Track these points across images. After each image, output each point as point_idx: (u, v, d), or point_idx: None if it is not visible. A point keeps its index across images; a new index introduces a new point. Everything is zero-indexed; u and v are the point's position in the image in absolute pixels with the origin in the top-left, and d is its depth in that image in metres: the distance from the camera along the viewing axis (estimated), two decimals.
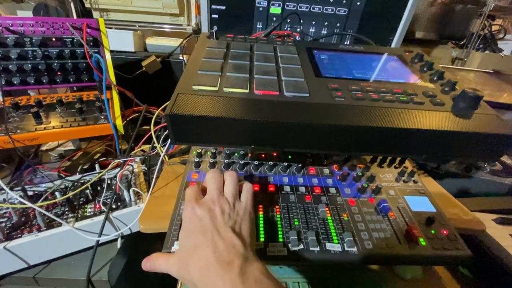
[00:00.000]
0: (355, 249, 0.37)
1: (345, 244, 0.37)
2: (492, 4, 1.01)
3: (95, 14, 1.00)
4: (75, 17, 0.96)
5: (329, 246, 0.37)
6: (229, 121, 0.29)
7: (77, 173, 0.64)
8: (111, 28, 0.96)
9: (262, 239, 0.37)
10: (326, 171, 0.50)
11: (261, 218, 0.40)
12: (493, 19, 1.14)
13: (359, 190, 0.46)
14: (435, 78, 0.40)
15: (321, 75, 0.38)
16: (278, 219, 0.40)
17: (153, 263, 0.32)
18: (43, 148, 0.84)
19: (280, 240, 0.37)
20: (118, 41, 0.88)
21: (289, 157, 0.51)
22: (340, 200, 0.44)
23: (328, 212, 0.42)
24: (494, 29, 1.16)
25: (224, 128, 0.29)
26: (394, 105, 0.33)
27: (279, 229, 0.39)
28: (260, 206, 0.41)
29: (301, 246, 0.37)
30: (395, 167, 0.51)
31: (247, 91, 0.32)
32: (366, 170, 0.50)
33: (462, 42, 1.13)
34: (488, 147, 0.31)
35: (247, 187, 0.36)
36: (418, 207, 0.44)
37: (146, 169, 0.62)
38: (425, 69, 0.42)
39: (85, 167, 0.70)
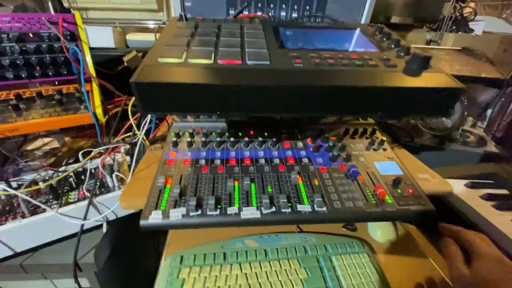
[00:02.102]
0: (324, 209, 0.39)
1: (315, 205, 0.39)
2: None
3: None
4: None
5: (300, 207, 0.39)
6: (194, 87, 0.31)
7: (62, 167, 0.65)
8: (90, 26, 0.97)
9: (236, 205, 0.39)
10: (300, 144, 0.52)
11: (236, 187, 0.41)
12: (464, 1, 1.18)
13: (331, 158, 0.48)
14: (392, 46, 0.42)
15: (284, 47, 0.40)
16: (253, 186, 0.42)
17: None
18: (29, 147, 0.84)
19: (254, 204, 0.39)
20: (98, 37, 0.89)
21: (265, 134, 0.54)
22: (312, 168, 0.46)
23: (299, 178, 0.44)
24: (466, 11, 1.20)
25: (190, 94, 0.31)
26: (350, 68, 0.35)
27: (253, 195, 0.41)
28: (235, 178, 0.43)
29: (273, 209, 0.39)
30: (366, 138, 0.54)
31: (211, 61, 0.34)
32: (338, 142, 0.52)
33: (435, 26, 1.17)
34: (437, 101, 0.34)
35: None
36: (386, 170, 0.47)
37: (130, 157, 0.63)
38: (384, 39, 0.45)
39: (70, 161, 0.71)
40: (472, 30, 1.14)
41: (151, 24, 1.04)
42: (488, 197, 0.56)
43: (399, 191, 0.43)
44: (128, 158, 0.65)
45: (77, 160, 0.67)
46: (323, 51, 0.39)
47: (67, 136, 0.85)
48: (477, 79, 0.72)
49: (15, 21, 0.61)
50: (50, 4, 0.93)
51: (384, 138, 0.52)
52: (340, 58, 0.37)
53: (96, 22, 1.02)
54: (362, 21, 0.65)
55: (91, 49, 0.90)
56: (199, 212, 0.38)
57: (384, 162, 0.49)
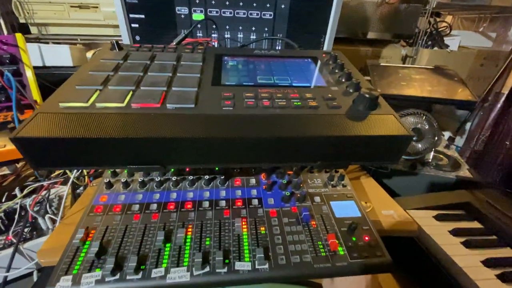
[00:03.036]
0: (266, 266, 0.34)
1: (256, 262, 0.35)
2: (435, 1, 1.04)
3: (33, 29, 0.95)
4: (5, 33, 0.91)
5: (238, 265, 0.34)
6: (94, 141, 0.26)
7: (3, 201, 0.58)
8: (48, 43, 0.92)
9: (164, 265, 0.34)
10: (253, 181, 0.47)
11: (168, 242, 0.36)
12: (438, 16, 1.18)
13: (283, 199, 0.43)
14: (342, 80, 0.38)
15: (219, 83, 0.35)
16: (188, 240, 0.37)
17: None
18: None
19: (185, 264, 0.34)
20: (54, 56, 0.84)
21: (216, 169, 0.49)
22: (261, 212, 0.42)
23: (244, 226, 0.39)
24: (442, 25, 1.19)
25: (91, 149, 0.26)
26: (286, 111, 0.31)
27: (186, 251, 0.36)
28: (170, 228, 0.38)
29: (207, 269, 0.34)
30: (326, 171, 0.50)
31: (122, 104, 0.29)
32: (295, 177, 0.48)
33: (411, 40, 1.16)
34: (383, 149, 0.30)
35: None
36: (342, 212, 0.43)
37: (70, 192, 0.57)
38: (336, 70, 0.41)
39: (13, 193, 0.65)
40: (447, 46, 1.13)
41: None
42: (457, 233, 0.52)
43: (353, 239, 0.39)
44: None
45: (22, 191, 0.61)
46: (263, 87, 0.35)
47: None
48: (448, 101, 0.70)
49: None
50: (2, 21, 0.87)
51: (344, 173, 0.48)
52: (278, 97, 0.33)
53: (56, 38, 0.96)
54: (326, 43, 0.61)
55: (45, 68, 0.85)
56: (117, 276, 0.32)
57: (342, 202, 0.44)
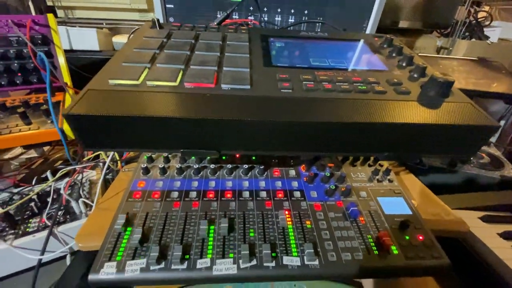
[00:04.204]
0: (316, 262, 0.32)
1: (305, 257, 0.33)
2: None
3: (59, 13, 0.94)
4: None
5: (286, 260, 0.32)
6: (147, 120, 0.24)
7: (33, 183, 0.58)
8: (75, 26, 0.91)
9: (209, 256, 0.32)
10: (292, 172, 0.45)
11: (211, 231, 0.35)
12: (479, 6, 1.10)
13: (327, 192, 0.41)
14: (403, 64, 0.35)
15: (271, 64, 0.33)
16: (231, 230, 0.35)
17: None
18: (5, 156, 0.78)
19: (231, 256, 0.32)
20: (81, 40, 0.83)
21: (253, 158, 0.47)
22: (305, 205, 0.39)
23: (289, 219, 0.37)
24: (480, 16, 1.11)
25: (143, 129, 0.24)
26: (350, 96, 0.28)
27: (231, 242, 0.34)
28: (212, 217, 0.37)
29: (254, 262, 0.32)
30: (369, 165, 0.47)
31: (175, 83, 0.27)
32: (337, 170, 0.45)
33: (447, 31, 1.09)
34: (460, 141, 0.27)
35: None
36: (392, 209, 0.40)
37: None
38: (393, 54, 0.37)
39: (43, 176, 0.65)
40: (487, 37, 1.05)
41: (141, 25, 0.97)
42: (509, 236, 0.48)
43: (406, 237, 0.36)
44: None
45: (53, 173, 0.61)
46: (319, 70, 0.32)
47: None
48: (496, 94, 0.64)
49: None
50: (31, 4, 0.86)
51: (390, 167, 0.45)
52: (339, 81, 0.30)
53: (82, 22, 0.95)
54: (368, 28, 0.57)
55: (73, 51, 0.84)
56: (162, 265, 0.31)
57: (389, 198, 0.41)
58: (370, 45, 0.40)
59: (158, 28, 0.39)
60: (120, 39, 0.88)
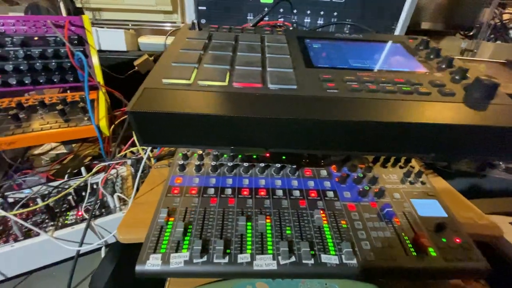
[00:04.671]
0: (354, 261, 0.33)
1: (343, 256, 0.33)
2: None
3: (87, 14, 0.97)
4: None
5: (324, 258, 0.33)
6: (202, 118, 0.25)
7: (66, 178, 0.61)
8: (102, 27, 0.94)
9: (248, 251, 0.33)
10: (324, 172, 0.45)
11: (249, 227, 0.36)
12: (504, 7, 1.07)
13: (360, 193, 0.41)
14: (443, 66, 0.35)
15: (312, 65, 0.33)
16: (268, 227, 0.36)
17: None
18: (35, 152, 0.82)
19: (270, 252, 0.33)
20: (110, 40, 0.86)
21: (283, 157, 0.47)
22: (339, 205, 0.40)
23: (324, 218, 0.37)
24: (506, 17, 1.09)
25: (197, 126, 0.26)
26: (396, 97, 0.28)
27: (269, 239, 0.34)
28: (249, 214, 0.37)
29: (293, 259, 0.32)
30: (400, 167, 0.47)
31: (225, 83, 0.28)
32: (368, 171, 0.45)
33: (471, 33, 1.07)
34: (507, 143, 0.27)
35: None
36: (426, 211, 0.40)
37: (134, 172, 0.58)
38: (431, 56, 0.37)
39: (75, 171, 0.68)
40: None
41: (165, 26, 0.99)
42: None
43: (443, 240, 0.36)
44: (133, 169, 0.60)
45: (80, 171, 0.63)
46: (360, 71, 0.32)
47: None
48: None
49: (20, 24, 0.58)
50: (61, 4, 0.90)
51: (423, 170, 0.45)
52: (382, 82, 0.30)
53: (108, 23, 0.98)
54: (397, 30, 0.57)
55: (101, 51, 0.87)
56: (205, 258, 0.32)
57: (423, 200, 0.41)
58: (406, 47, 0.41)
59: (197, 30, 0.40)
60: (145, 40, 0.90)
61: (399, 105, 0.27)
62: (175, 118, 0.25)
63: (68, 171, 0.66)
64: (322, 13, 0.55)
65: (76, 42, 0.61)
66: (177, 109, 0.24)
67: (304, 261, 0.32)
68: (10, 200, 0.51)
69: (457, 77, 0.32)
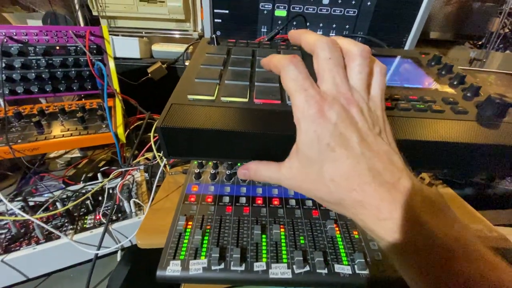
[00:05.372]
0: (367, 271, 0.34)
1: (355, 266, 0.34)
2: None
3: (103, 22, 1.00)
4: (82, 25, 0.97)
5: (338, 268, 0.34)
6: (225, 134, 0.26)
7: (81, 182, 0.63)
8: (117, 35, 0.97)
9: (264, 260, 0.34)
10: None
11: (264, 236, 0.37)
12: None
13: None
14: (455, 83, 0.36)
15: None
16: (283, 237, 0.37)
17: (258, 171, 0.27)
18: (51, 155, 0.84)
19: (285, 261, 0.34)
20: (124, 48, 0.88)
21: None
22: None
23: (337, 229, 0.38)
24: None
25: (221, 141, 0.27)
26: (410, 114, 0.29)
27: (283, 248, 0.36)
28: (263, 223, 0.39)
29: (307, 268, 0.34)
30: None
31: (246, 100, 0.29)
32: None
33: (480, 42, 1.07)
34: None
35: (378, 69, 0.25)
36: None
37: (149, 178, 0.60)
38: (443, 72, 0.38)
39: (89, 175, 0.70)
40: None
41: (177, 34, 1.02)
42: None
43: None
44: (146, 175, 0.62)
45: (96, 173, 0.65)
46: None
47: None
48: None
49: (43, 34, 0.60)
50: (79, 14, 0.93)
51: (432, 181, 0.45)
52: (396, 99, 0.31)
53: (123, 31, 1.01)
54: (408, 42, 0.58)
55: (115, 59, 0.90)
56: (222, 266, 0.33)
57: None
58: (418, 62, 0.42)
59: (215, 44, 0.42)
60: (158, 48, 0.93)
61: (414, 123, 0.28)
62: (200, 133, 0.26)
63: (84, 175, 0.68)
64: (334, 26, 0.56)
65: (95, 51, 0.64)
66: (203, 125, 0.26)
67: (318, 271, 0.33)
68: (31, 203, 0.53)
69: (469, 95, 0.33)
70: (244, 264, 0.33)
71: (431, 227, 0.19)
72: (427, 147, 0.27)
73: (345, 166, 0.21)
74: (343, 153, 0.21)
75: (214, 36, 0.41)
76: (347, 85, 0.23)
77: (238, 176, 0.28)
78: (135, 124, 0.71)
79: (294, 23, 0.55)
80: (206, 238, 0.36)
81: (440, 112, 0.30)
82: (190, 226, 0.37)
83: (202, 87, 0.31)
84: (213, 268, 0.33)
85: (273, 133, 0.27)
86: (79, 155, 0.85)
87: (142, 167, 0.63)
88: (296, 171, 0.24)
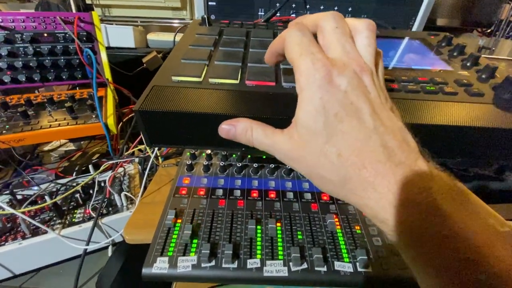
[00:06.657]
0: (369, 269, 0.31)
1: (357, 264, 0.31)
2: None
3: (97, 11, 0.97)
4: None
5: (338, 265, 0.31)
6: (213, 118, 0.23)
7: (73, 175, 0.61)
8: (112, 24, 0.93)
9: (258, 256, 0.32)
10: None
11: (259, 231, 0.34)
12: None
13: None
14: (468, 64, 0.33)
15: None
16: (279, 232, 0.34)
17: (247, 130, 0.22)
18: (45, 148, 0.82)
19: (280, 257, 0.32)
20: (118, 37, 0.85)
21: None
22: (352, 209, 0.38)
23: (337, 223, 0.36)
24: None
25: (208, 126, 0.24)
26: (420, 97, 0.26)
27: (279, 243, 0.33)
28: (258, 217, 0.36)
29: (305, 266, 0.31)
30: None
31: (237, 81, 0.26)
32: None
33: (489, 30, 1.03)
34: None
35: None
36: None
37: (141, 170, 0.57)
38: (455, 53, 0.35)
39: (83, 168, 0.67)
40: None
41: (173, 23, 0.98)
42: None
43: None
44: (140, 168, 0.60)
45: (88, 169, 0.63)
46: None
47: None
48: None
49: (30, 20, 0.57)
50: (72, 2, 0.90)
51: None
52: (404, 80, 0.28)
53: (118, 20, 0.98)
54: (415, 26, 0.54)
55: (109, 48, 0.87)
56: (213, 263, 0.31)
57: None
58: (427, 44, 0.38)
59: (207, 25, 0.39)
60: (154, 37, 0.90)
61: (424, 106, 0.25)
62: (184, 118, 0.24)
63: (76, 168, 0.66)
64: (336, 8, 0.52)
65: (85, 39, 0.61)
66: (187, 108, 0.23)
67: (316, 268, 0.31)
68: (19, 197, 0.51)
69: (483, 76, 0.30)
70: (236, 261, 0.31)
71: (453, 218, 0.16)
72: (438, 132, 0.24)
73: (356, 140, 0.18)
74: (354, 125, 0.18)
75: (205, 16, 0.38)
76: (358, 53, 0.20)
77: (219, 132, 0.23)
78: (129, 116, 0.68)
79: (293, 5, 0.52)
80: (196, 233, 0.34)
81: (453, 95, 0.27)
82: (180, 221, 0.35)
83: (189, 67, 0.28)
84: (203, 265, 0.30)
85: (267, 116, 0.24)
86: (73, 148, 0.82)
87: (136, 160, 0.61)
88: (295, 142, 0.20)
